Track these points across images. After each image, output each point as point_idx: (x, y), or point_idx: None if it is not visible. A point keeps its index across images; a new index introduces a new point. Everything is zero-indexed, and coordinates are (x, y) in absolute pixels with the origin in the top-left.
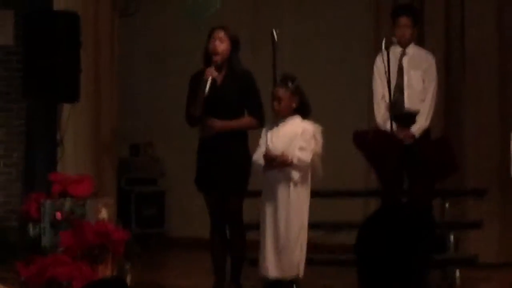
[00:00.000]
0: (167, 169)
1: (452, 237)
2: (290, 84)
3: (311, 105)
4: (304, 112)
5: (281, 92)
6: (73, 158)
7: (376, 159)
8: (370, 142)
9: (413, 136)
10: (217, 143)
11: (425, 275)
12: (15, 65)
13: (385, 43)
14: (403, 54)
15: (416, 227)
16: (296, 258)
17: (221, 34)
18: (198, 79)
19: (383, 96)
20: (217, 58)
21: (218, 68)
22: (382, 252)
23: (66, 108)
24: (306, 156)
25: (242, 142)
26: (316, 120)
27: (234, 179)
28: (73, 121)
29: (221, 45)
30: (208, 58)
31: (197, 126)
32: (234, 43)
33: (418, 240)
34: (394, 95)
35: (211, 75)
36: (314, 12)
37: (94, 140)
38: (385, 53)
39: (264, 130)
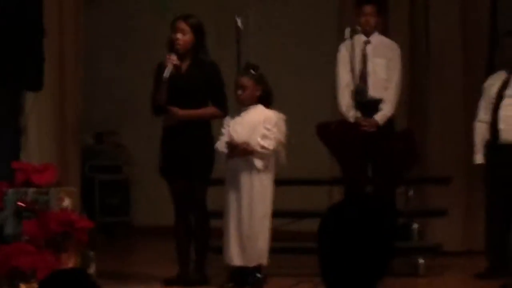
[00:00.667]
0: (132, 157)
1: (416, 226)
2: (253, 72)
3: (274, 93)
4: (267, 100)
5: (245, 80)
6: (36, 147)
7: (340, 149)
8: (333, 133)
9: (376, 123)
10: (181, 132)
11: (387, 263)
12: None
13: (350, 31)
14: (367, 42)
15: (379, 216)
16: (260, 246)
17: (182, 25)
18: (162, 67)
19: (347, 84)
20: (179, 48)
21: (182, 58)
22: (344, 241)
23: (30, 96)
24: (269, 144)
25: (206, 131)
26: (280, 108)
27: (198, 167)
28: (36, 109)
29: (183, 36)
30: (172, 47)
31: (161, 114)
32: (198, 32)
33: (380, 229)
34: (358, 83)
35: (172, 62)
36: None
37: (58, 128)
38: (349, 41)
39: (227, 118)
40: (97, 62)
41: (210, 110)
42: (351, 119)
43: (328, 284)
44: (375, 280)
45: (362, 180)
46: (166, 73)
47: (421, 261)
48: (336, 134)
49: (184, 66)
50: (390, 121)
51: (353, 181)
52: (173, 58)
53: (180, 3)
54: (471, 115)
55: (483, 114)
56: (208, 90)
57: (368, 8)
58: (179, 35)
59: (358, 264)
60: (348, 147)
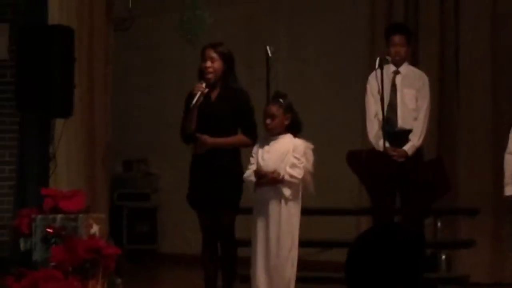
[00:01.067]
0: (160, 185)
1: (444, 257)
2: (282, 101)
3: (303, 122)
4: (295, 129)
5: (274, 109)
6: (65, 173)
7: (369, 178)
8: (364, 162)
9: (405, 154)
10: (210, 160)
11: None
12: (8, 79)
13: (379, 61)
14: (396, 72)
15: (407, 246)
16: (287, 275)
17: (211, 53)
18: (192, 96)
19: (376, 114)
20: (209, 76)
21: (211, 86)
22: (372, 272)
23: (59, 122)
24: (297, 173)
25: (235, 159)
26: (308, 137)
27: (226, 196)
28: (66, 136)
29: (212, 64)
30: (202, 75)
31: (191, 143)
32: (228, 60)
33: (408, 260)
34: (387, 113)
35: (200, 90)
36: (309, 29)
37: (87, 155)
38: (378, 71)
39: (255, 147)
40: (127, 90)
41: (239, 138)
42: (380, 149)
43: None
44: None
45: (391, 210)
46: (195, 101)
47: None
48: (366, 162)
49: (214, 94)
50: (419, 151)
51: (382, 210)
52: (201, 86)
53: (210, 33)
54: (500, 146)
55: None
56: (237, 117)
57: (397, 38)
58: (208, 63)
59: None
60: (377, 176)
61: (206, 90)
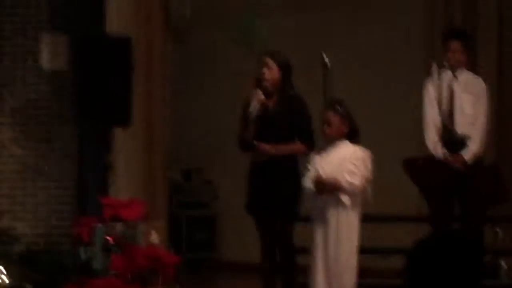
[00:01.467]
0: (219, 193)
1: (504, 264)
2: (339, 108)
3: (360, 129)
4: (353, 136)
5: (331, 116)
6: (124, 182)
7: (427, 186)
8: (421, 169)
9: (464, 162)
10: (268, 168)
11: None
12: (68, 89)
13: (437, 67)
14: (454, 78)
15: (465, 253)
16: (346, 282)
17: (268, 61)
18: (249, 104)
19: (434, 121)
20: (266, 84)
21: (268, 94)
22: (430, 277)
23: (118, 131)
24: (356, 180)
25: (293, 167)
26: (365, 144)
27: (285, 204)
28: (125, 145)
29: (269, 72)
30: (259, 83)
31: (249, 151)
32: (285, 68)
33: (467, 266)
34: (445, 119)
35: (258, 99)
36: (366, 35)
37: (146, 164)
38: (436, 77)
39: (312, 155)
40: (185, 97)
41: (297, 145)
42: (439, 156)
43: None
44: None
45: (449, 217)
46: (253, 111)
47: None
48: (423, 170)
49: (272, 102)
50: (478, 158)
51: (440, 218)
52: (259, 96)
53: (267, 39)
54: None
55: None
56: (295, 125)
57: (454, 44)
58: (265, 71)
59: None
60: (435, 184)
61: (264, 99)
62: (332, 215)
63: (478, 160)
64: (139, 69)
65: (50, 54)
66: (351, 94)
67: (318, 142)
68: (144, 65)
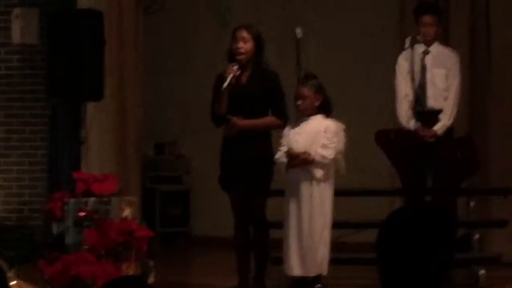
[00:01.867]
0: (192, 167)
1: (477, 236)
2: (312, 82)
3: (334, 103)
4: (326, 110)
5: (305, 90)
6: (97, 157)
7: (398, 158)
8: (392, 141)
9: (435, 134)
10: (241, 142)
11: (446, 273)
12: (39, 63)
13: (409, 41)
14: (426, 52)
15: (438, 225)
16: (319, 256)
17: (244, 33)
18: (223, 77)
19: (406, 95)
20: (241, 57)
21: (242, 67)
22: (403, 250)
23: (91, 106)
24: (328, 154)
25: (266, 141)
26: (339, 118)
27: (257, 178)
28: (97, 120)
29: (244, 45)
30: (232, 57)
31: (222, 125)
32: (258, 42)
33: (439, 239)
34: (417, 93)
35: (232, 72)
36: (339, 10)
37: (119, 138)
38: (409, 51)
39: (286, 129)
40: (158, 72)
41: (270, 119)
42: (411, 129)
43: None
44: None
45: (421, 189)
46: (225, 84)
47: (481, 272)
48: (395, 142)
49: (245, 75)
50: (449, 130)
51: (412, 190)
52: (234, 69)
53: (240, 15)
54: None
55: None
56: (268, 99)
57: (427, 18)
58: (240, 44)
59: (417, 273)
60: (407, 156)
61: (239, 72)
62: (305, 188)
63: (449, 132)
64: (110, 43)
65: (21, 28)
66: (324, 69)
67: (291, 116)
68: (116, 39)
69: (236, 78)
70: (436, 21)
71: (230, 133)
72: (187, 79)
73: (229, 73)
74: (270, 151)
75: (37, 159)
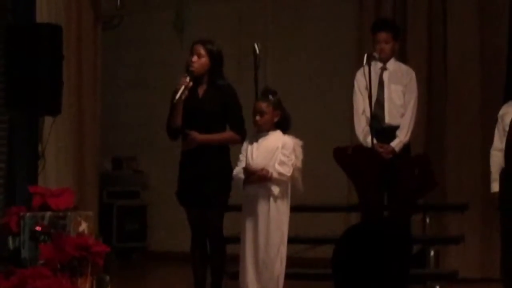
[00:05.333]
0: (149, 182)
1: (432, 252)
2: (271, 97)
3: (292, 119)
4: (284, 126)
5: (263, 105)
6: (54, 171)
7: (356, 174)
8: (350, 158)
9: (393, 150)
10: (198, 157)
11: None
12: None
13: (367, 57)
14: (383, 69)
15: (393, 242)
16: (276, 272)
17: (200, 48)
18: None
19: (363, 111)
20: (192, 69)
21: (196, 81)
22: (358, 266)
23: (48, 120)
24: (286, 171)
25: (224, 156)
26: (297, 134)
27: (215, 194)
28: (54, 134)
29: (198, 59)
30: (188, 70)
31: (177, 138)
32: (215, 57)
33: (394, 255)
34: (374, 109)
35: (184, 84)
36: (298, 26)
37: (76, 153)
38: (366, 67)
39: (244, 144)
40: (116, 87)
41: (228, 134)
42: (368, 145)
43: None
44: None
45: (378, 206)
46: (179, 95)
47: None
48: (352, 158)
49: (201, 90)
50: (406, 146)
51: (369, 206)
52: (185, 80)
53: (200, 29)
54: (488, 143)
55: (499, 143)
56: (225, 113)
57: (382, 35)
58: (194, 58)
59: None
60: (364, 172)
61: (190, 83)
62: (262, 204)
63: (406, 149)
64: (69, 57)
65: None
66: (283, 84)
67: (249, 131)
68: (74, 54)
69: (192, 93)
70: (392, 37)
71: (188, 148)
72: (145, 94)
73: (181, 85)
74: (228, 165)
75: None
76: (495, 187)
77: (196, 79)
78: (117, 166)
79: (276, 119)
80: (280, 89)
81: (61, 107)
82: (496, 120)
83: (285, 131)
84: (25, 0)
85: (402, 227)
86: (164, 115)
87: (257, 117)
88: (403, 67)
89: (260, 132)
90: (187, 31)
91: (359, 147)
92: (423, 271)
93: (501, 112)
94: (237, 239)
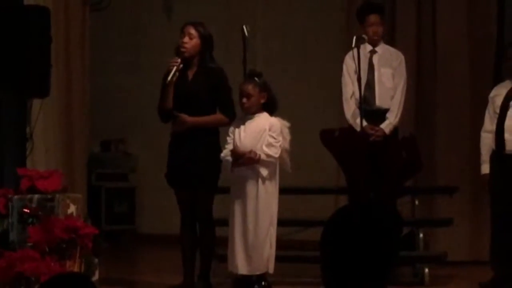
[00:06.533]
0: (138, 165)
1: (421, 235)
2: (257, 79)
3: (280, 101)
4: (271, 108)
5: (249, 88)
6: (42, 153)
7: (343, 157)
8: (337, 140)
9: (383, 133)
10: (188, 139)
11: (390, 272)
12: None
13: (356, 40)
14: (373, 52)
15: (381, 223)
16: (265, 254)
17: (191, 30)
18: (168, 73)
19: (352, 94)
20: (184, 52)
21: (187, 63)
22: (346, 248)
23: (36, 103)
24: (274, 152)
25: (213, 139)
26: (285, 116)
27: (204, 176)
28: (43, 116)
29: (190, 41)
30: (179, 52)
31: (168, 121)
32: (206, 40)
33: (383, 236)
34: (364, 92)
35: (175, 65)
36: (287, 8)
37: (65, 135)
38: (355, 50)
39: (232, 126)
40: (105, 69)
41: (217, 116)
42: (358, 128)
43: None
44: None
45: (366, 188)
46: (170, 77)
47: (426, 270)
48: (339, 140)
49: (191, 73)
50: (394, 129)
51: (357, 188)
52: (176, 62)
53: (189, 13)
54: (478, 125)
55: (489, 125)
56: (215, 96)
57: (373, 18)
58: (186, 39)
59: (360, 271)
60: (351, 154)
61: (181, 65)
62: (251, 187)
63: (394, 131)
64: (57, 39)
65: None
66: (271, 67)
67: (237, 114)
68: (63, 36)
69: (182, 76)
70: (381, 20)
71: (178, 130)
72: (135, 76)
73: (172, 66)
74: (217, 148)
75: None
76: (485, 169)
77: (186, 62)
78: (105, 148)
79: (262, 101)
80: (268, 71)
81: (49, 89)
82: (486, 102)
83: (272, 113)
84: None
85: (391, 208)
86: (153, 98)
87: (244, 100)
88: (392, 50)
89: (247, 114)
90: (176, 13)
91: (346, 130)
92: (412, 253)
93: (492, 94)
94: (226, 222)
